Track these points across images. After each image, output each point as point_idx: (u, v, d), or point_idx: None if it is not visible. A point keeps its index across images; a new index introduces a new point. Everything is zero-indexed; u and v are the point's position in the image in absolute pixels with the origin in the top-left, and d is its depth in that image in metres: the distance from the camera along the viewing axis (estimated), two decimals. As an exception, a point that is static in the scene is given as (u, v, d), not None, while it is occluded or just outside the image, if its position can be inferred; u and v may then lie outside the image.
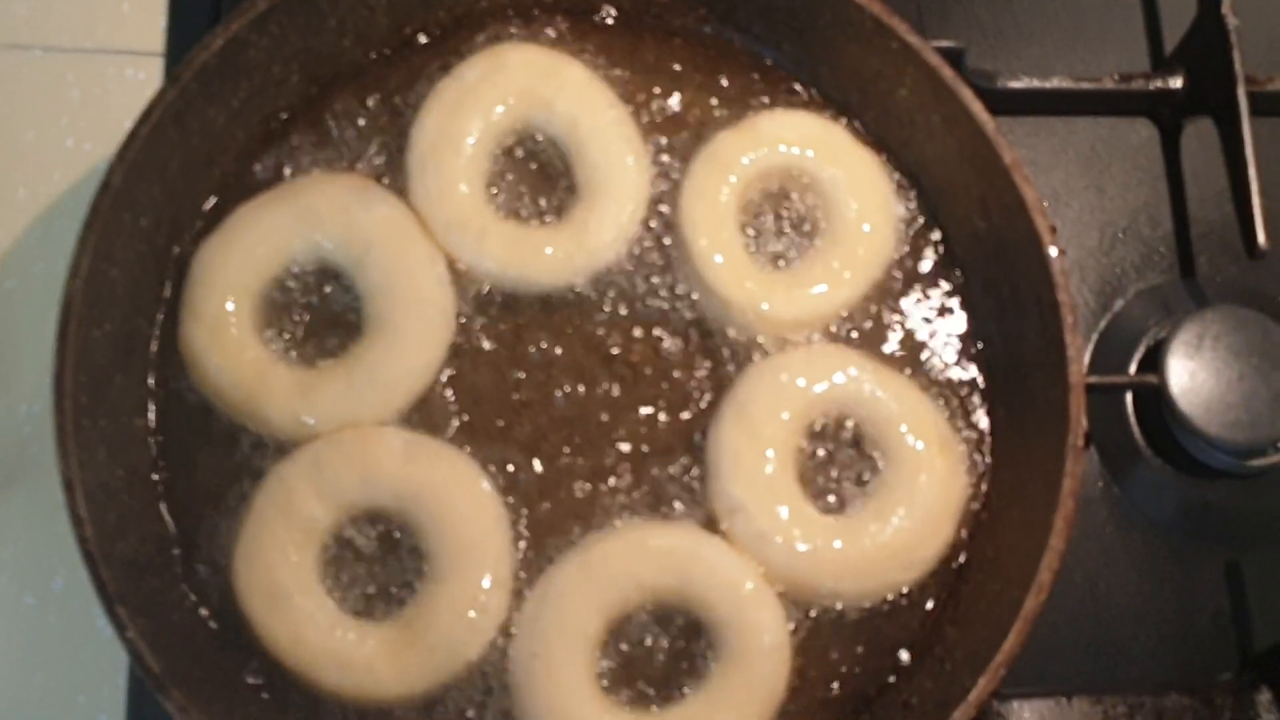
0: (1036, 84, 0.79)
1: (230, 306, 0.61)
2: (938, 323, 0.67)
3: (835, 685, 0.61)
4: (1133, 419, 0.77)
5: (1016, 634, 0.57)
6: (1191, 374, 0.74)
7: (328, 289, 0.64)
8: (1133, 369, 0.77)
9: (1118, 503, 0.76)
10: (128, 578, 0.55)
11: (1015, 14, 0.84)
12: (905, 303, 0.67)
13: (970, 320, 0.67)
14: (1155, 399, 0.75)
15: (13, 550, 0.69)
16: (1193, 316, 0.75)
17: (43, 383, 0.69)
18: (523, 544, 0.61)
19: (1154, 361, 0.74)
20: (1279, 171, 0.78)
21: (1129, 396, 0.77)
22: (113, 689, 0.67)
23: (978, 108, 0.63)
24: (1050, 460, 0.60)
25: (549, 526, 0.62)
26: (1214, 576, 0.75)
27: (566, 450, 0.63)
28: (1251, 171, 0.76)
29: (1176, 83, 0.81)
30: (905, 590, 0.63)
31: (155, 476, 0.60)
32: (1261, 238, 0.74)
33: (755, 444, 0.62)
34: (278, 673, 0.59)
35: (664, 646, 0.61)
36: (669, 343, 0.65)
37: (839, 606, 0.62)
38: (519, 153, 0.67)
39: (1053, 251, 0.62)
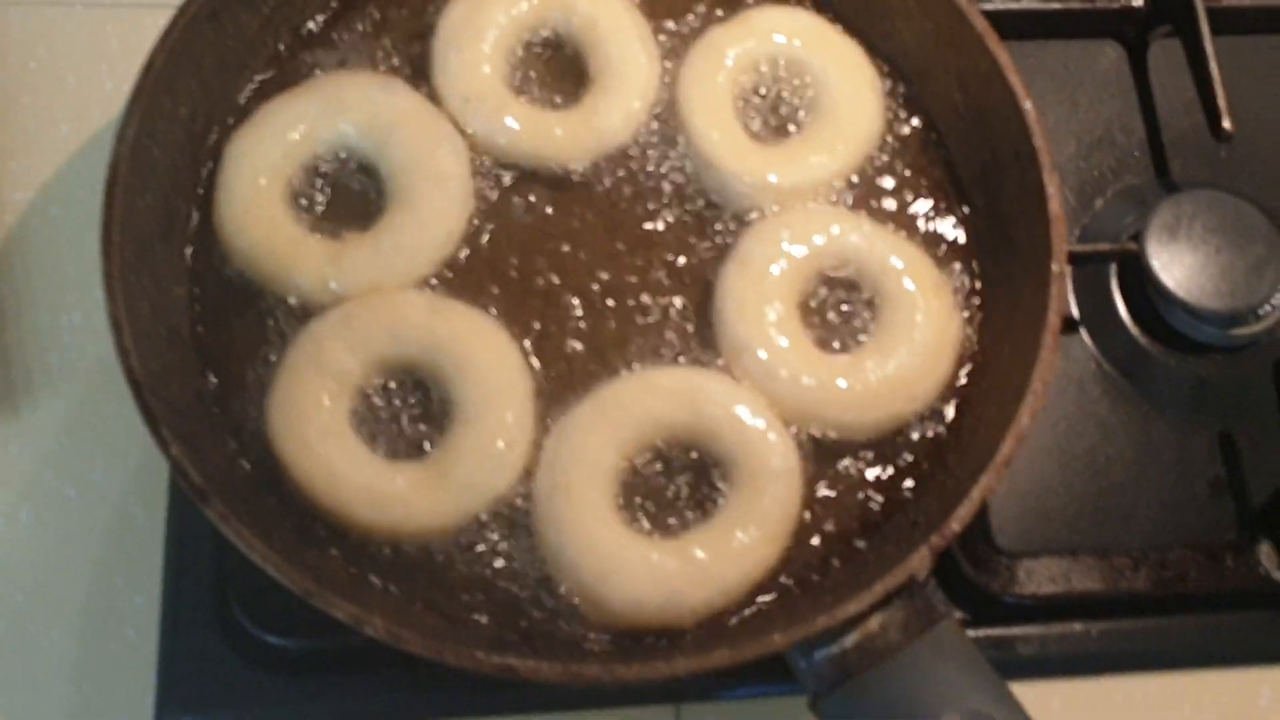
0: (1009, 6, 0.85)
1: (262, 184, 0.66)
2: (926, 189, 0.71)
3: (846, 512, 0.64)
4: (1120, 302, 0.81)
5: (1012, 438, 0.60)
6: (1170, 249, 0.78)
7: (354, 173, 0.68)
8: (1112, 269, 0.82)
9: (1112, 381, 0.80)
10: (171, 412, 0.58)
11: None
12: (894, 173, 0.71)
13: (955, 186, 0.71)
14: (1139, 278, 0.79)
15: (55, 445, 0.72)
16: (1168, 199, 0.80)
17: (84, 296, 0.75)
18: (543, 395, 0.65)
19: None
20: (1235, 88, 0.83)
21: (1114, 282, 0.81)
22: (151, 571, 0.70)
23: (947, -19, 0.68)
24: (1036, 292, 0.64)
25: (566, 379, 0.65)
26: (1209, 447, 0.78)
27: (580, 313, 0.67)
28: (1213, 65, 0.81)
29: (1138, 1, 0.87)
30: (910, 422, 0.66)
31: (194, 337, 0.64)
32: (1227, 121, 0.79)
33: (758, 290, 0.66)
34: (315, 517, 0.61)
35: (682, 484, 0.64)
36: (675, 215, 0.69)
37: (847, 438, 0.65)
38: (539, 50, 0.72)
39: (1027, 105, 0.66)
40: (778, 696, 0.71)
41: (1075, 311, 0.81)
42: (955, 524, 0.58)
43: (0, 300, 0.75)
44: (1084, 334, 0.81)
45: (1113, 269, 0.81)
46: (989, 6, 0.83)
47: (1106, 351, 0.80)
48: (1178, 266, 0.78)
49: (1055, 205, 0.64)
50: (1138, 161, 0.86)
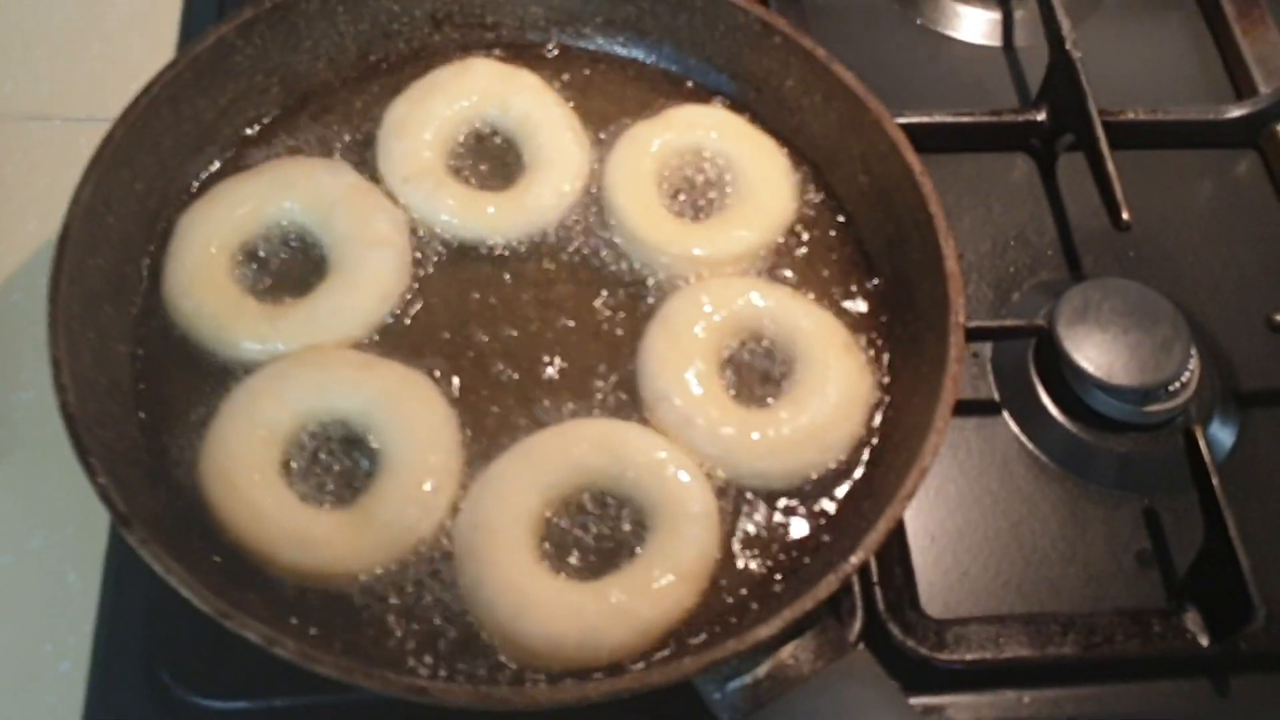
0: (920, 119, 0.92)
1: (211, 252, 0.70)
2: (837, 263, 0.76)
3: (764, 557, 0.65)
4: (1039, 386, 0.84)
5: (917, 471, 0.62)
6: (1080, 330, 0.82)
7: (296, 247, 0.73)
8: (1029, 353, 0.86)
9: (1036, 460, 0.82)
10: (104, 452, 0.60)
11: (897, 73, 0.98)
12: (808, 248, 0.76)
13: (865, 259, 0.76)
14: (1056, 363, 0.83)
15: (-2, 515, 0.74)
16: (1077, 285, 0.84)
17: (37, 376, 0.77)
18: (470, 444, 0.67)
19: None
20: (1137, 195, 0.88)
21: (1032, 367, 0.84)
22: (80, 638, 0.70)
23: (849, 77, 0.75)
24: (939, 342, 0.67)
25: (494, 433, 0.68)
26: (1134, 520, 0.80)
27: (510, 373, 0.70)
28: (1109, 165, 0.87)
29: (1041, 115, 0.94)
30: (824, 471, 0.68)
31: (134, 390, 0.67)
32: (1125, 213, 0.85)
33: (678, 347, 0.69)
34: (238, 560, 0.63)
35: (603, 529, 0.65)
36: (603, 287, 0.74)
37: (764, 486, 0.67)
38: (475, 142, 0.78)
39: (921, 177, 0.72)
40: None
41: (996, 395, 0.84)
42: (863, 552, 0.60)
43: (-44, 379, 0.78)
44: (1006, 416, 0.84)
45: (1030, 355, 0.85)
46: (904, 120, 0.90)
47: (1029, 433, 0.83)
48: (1089, 345, 0.81)
49: (951, 264, 0.68)
50: (1051, 259, 0.91)
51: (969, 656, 0.73)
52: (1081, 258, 0.91)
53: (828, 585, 0.59)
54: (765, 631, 0.57)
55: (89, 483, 0.59)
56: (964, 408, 0.84)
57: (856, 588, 0.74)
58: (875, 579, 0.75)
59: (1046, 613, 0.76)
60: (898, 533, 0.78)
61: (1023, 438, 0.83)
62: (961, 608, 0.76)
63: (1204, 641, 0.74)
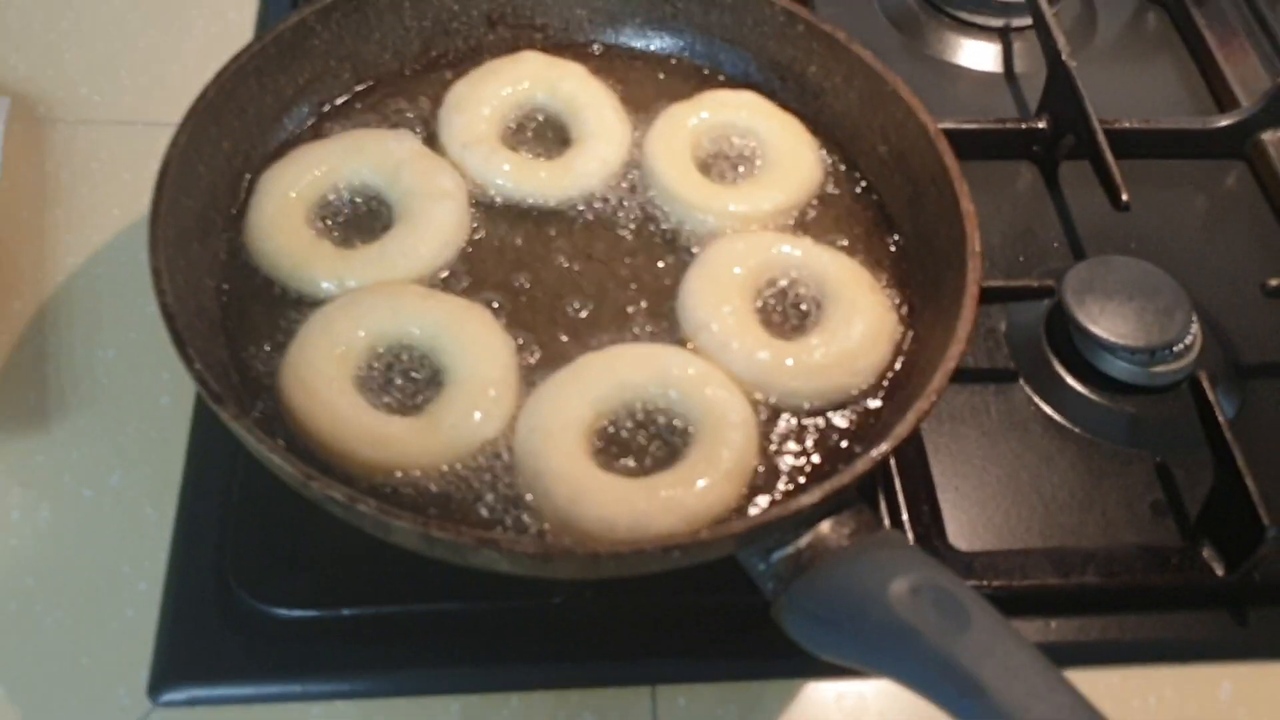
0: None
1: (290, 198, 0.77)
2: (860, 224, 0.82)
3: (796, 468, 0.70)
4: (1051, 355, 0.89)
5: (942, 374, 0.67)
6: (1087, 298, 0.88)
7: (366, 202, 0.80)
8: (1041, 325, 0.91)
9: (1052, 422, 0.87)
10: (198, 349, 0.66)
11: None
12: (834, 213, 0.83)
13: (886, 220, 0.82)
14: (1066, 331, 0.88)
15: (79, 455, 0.79)
16: (1084, 262, 0.91)
17: (118, 336, 0.84)
18: (526, 369, 0.73)
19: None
20: (1136, 198, 0.95)
21: (1044, 338, 0.90)
22: (155, 563, 0.75)
23: (867, 55, 0.83)
24: (957, 274, 0.73)
25: (545, 358, 0.73)
26: (1148, 475, 0.85)
27: (559, 310, 0.76)
28: (1107, 153, 0.94)
29: (1042, 124, 1.02)
30: (852, 394, 0.73)
31: (221, 318, 0.73)
32: (1124, 194, 0.91)
33: (715, 287, 0.75)
34: (317, 462, 0.68)
35: (651, 438, 0.71)
36: (642, 240, 0.80)
37: (797, 405, 0.72)
38: (527, 121, 0.85)
39: (935, 132, 0.78)
40: (748, 681, 0.74)
41: (1013, 364, 0.90)
42: (894, 439, 0.64)
43: (44, 339, 0.84)
44: (1023, 383, 0.89)
45: (1042, 328, 0.91)
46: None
47: (1045, 397, 0.88)
48: (1096, 312, 0.87)
49: (966, 204, 0.75)
50: (1058, 250, 0.98)
51: (996, 583, 0.77)
52: (1086, 249, 0.97)
53: (864, 463, 0.63)
54: (807, 500, 0.62)
55: (186, 370, 0.64)
56: (983, 376, 0.90)
57: (887, 521, 0.79)
58: (905, 515, 0.80)
59: (1068, 547, 0.80)
60: (924, 480, 0.82)
61: (1039, 401, 0.88)
62: (987, 542, 0.80)
63: (1219, 571, 0.78)
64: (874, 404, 0.74)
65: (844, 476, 0.63)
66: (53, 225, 0.90)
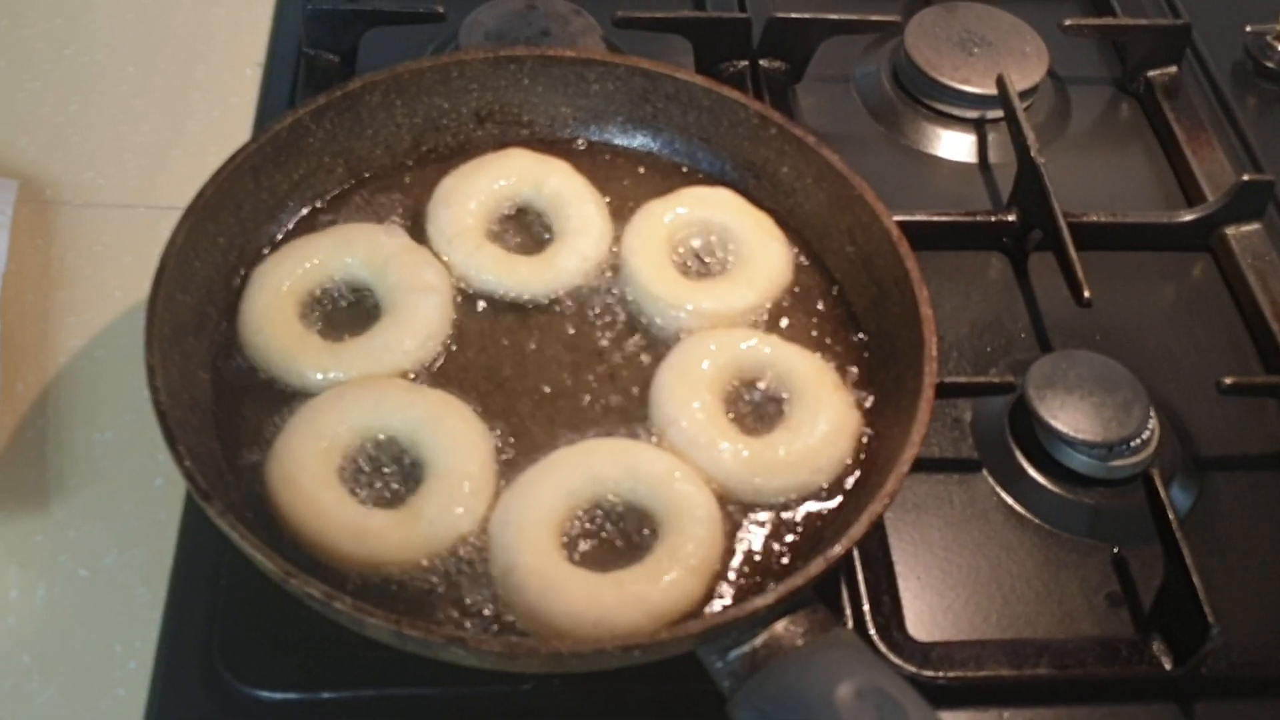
0: (903, 218, 1.03)
1: (282, 291, 0.81)
2: (827, 321, 0.86)
3: (761, 565, 0.74)
4: (1014, 446, 0.93)
5: (895, 477, 0.71)
6: (1048, 392, 0.91)
7: (354, 296, 0.84)
8: (1005, 417, 0.95)
9: (1013, 512, 0.90)
10: (188, 446, 0.69)
11: (883, 183, 1.11)
12: (801, 310, 0.86)
13: (851, 318, 0.86)
14: (1028, 424, 0.92)
15: (75, 535, 0.82)
16: (1046, 356, 0.94)
17: (116, 419, 0.88)
18: (502, 463, 0.76)
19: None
20: (1102, 291, 0.99)
21: (1008, 430, 0.93)
22: (145, 642, 0.78)
23: (835, 159, 0.87)
24: (916, 376, 0.77)
25: (521, 450, 0.77)
26: (1105, 566, 0.88)
27: (536, 404, 0.80)
28: (1072, 254, 0.98)
29: (1012, 216, 1.05)
30: (815, 491, 0.77)
31: (212, 410, 0.77)
32: (1086, 291, 0.95)
33: (685, 381, 0.79)
34: (300, 553, 0.71)
35: (619, 532, 0.74)
36: (618, 336, 0.84)
37: (761, 501, 0.76)
38: (512, 218, 0.90)
39: (898, 237, 0.82)
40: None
41: (976, 454, 0.93)
42: (847, 540, 0.68)
43: (46, 420, 0.87)
44: (985, 474, 0.92)
45: (1005, 419, 0.94)
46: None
47: (1007, 488, 0.91)
48: (1057, 406, 0.90)
49: (926, 310, 0.78)
50: (1024, 340, 1.01)
51: (951, 674, 0.80)
52: (1052, 341, 1.01)
53: (816, 565, 0.67)
54: (761, 601, 0.65)
55: (176, 467, 0.67)
56: (947, 465, 0.93)
57: (848, 610, 0.82)
58: (866, 605, 0.83)
59: (1023, 639, 0.83)
60: (886, 570, 0.85)
61: (1001, 492, 0.91)
62: (945, 635, 0.83)
63: (1168, 665, 0.81)
64: (836, 501, 0.77)
65: (797, 578, 0.66)
66: (56, 307, 0.93)
